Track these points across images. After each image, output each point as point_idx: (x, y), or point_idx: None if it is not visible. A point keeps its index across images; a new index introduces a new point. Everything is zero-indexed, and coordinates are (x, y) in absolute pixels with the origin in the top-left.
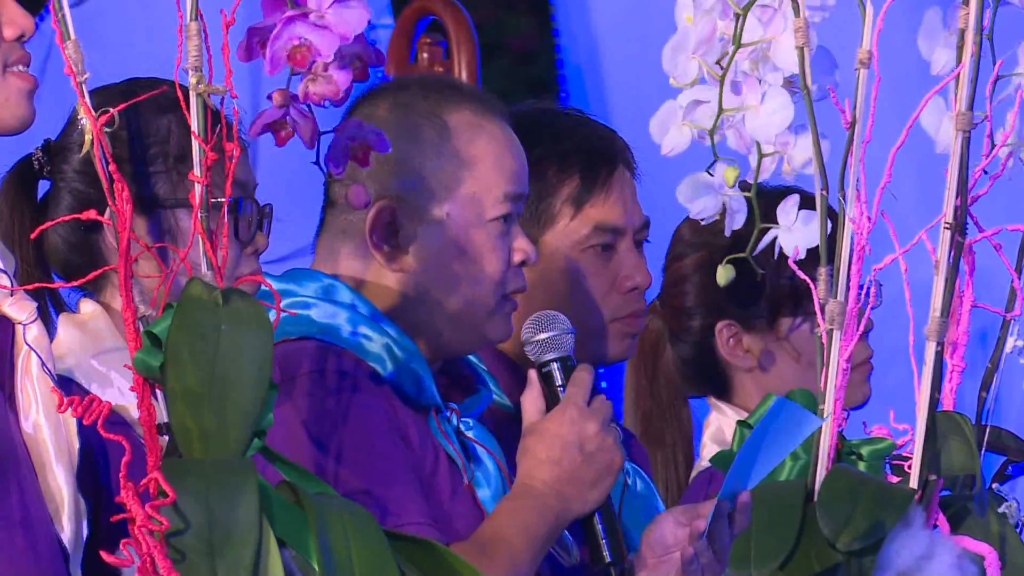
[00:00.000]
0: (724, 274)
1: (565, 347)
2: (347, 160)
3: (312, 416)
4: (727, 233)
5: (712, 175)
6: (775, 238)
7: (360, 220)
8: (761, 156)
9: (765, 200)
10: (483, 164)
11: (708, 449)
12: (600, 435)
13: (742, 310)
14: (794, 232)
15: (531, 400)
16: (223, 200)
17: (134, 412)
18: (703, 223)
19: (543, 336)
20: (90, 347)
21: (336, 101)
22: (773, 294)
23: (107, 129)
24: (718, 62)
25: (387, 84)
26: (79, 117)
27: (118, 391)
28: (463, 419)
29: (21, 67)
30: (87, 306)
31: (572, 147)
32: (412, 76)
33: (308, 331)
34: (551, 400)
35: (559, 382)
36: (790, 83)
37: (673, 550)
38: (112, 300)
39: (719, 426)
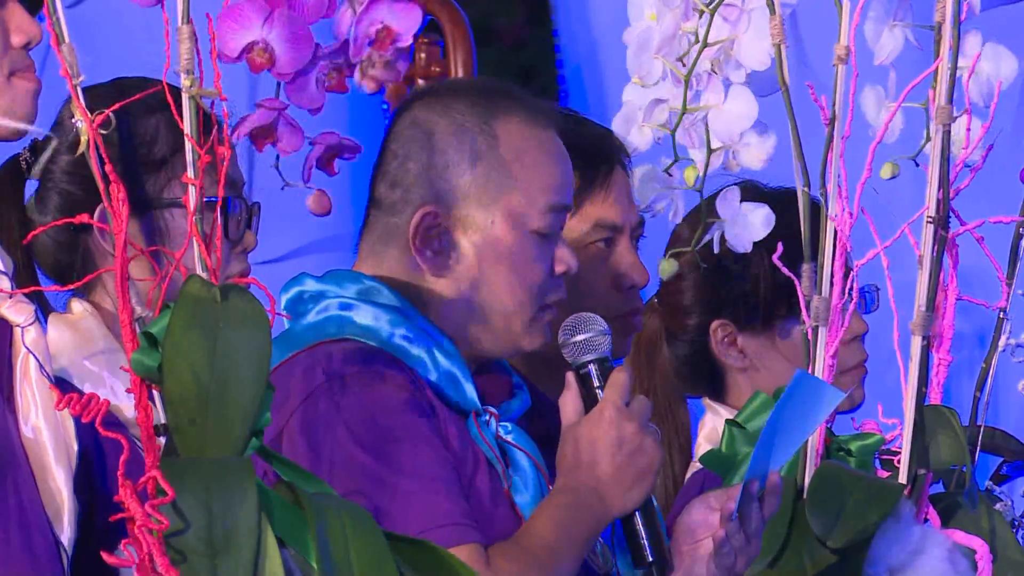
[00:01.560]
0: (668, 268)
1: (602, 349)
2: (312, 170)
3: (354, 417)
4: (671, 228)
5: (671, 175)
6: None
7: (404, 223)
8: (710, 153)
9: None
10: (529, 175)
11: (703, 450)
12: (639, 435)
13: (737, 310)
14: (738, 224)
15: (569, 402)
16: (215, 201)
17: (127, 412)
18: (651, 216)
19: (580, 338)
20: (82, 348)
21: (313, 110)
22: (768, 294)
23: (103, 131)
24: (679, 60)
25: (438, 87)
26: (73, 119)
27: (111, 391)
28: (501, 423)
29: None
30: (78, 306)
31: (571, 146)
32: (464, 81)
33: (349, 332)
34: (589, 402)
35: (597, 383)
36: None
37: (705, 536)
38: (102, 300)
39: (713, 427)
